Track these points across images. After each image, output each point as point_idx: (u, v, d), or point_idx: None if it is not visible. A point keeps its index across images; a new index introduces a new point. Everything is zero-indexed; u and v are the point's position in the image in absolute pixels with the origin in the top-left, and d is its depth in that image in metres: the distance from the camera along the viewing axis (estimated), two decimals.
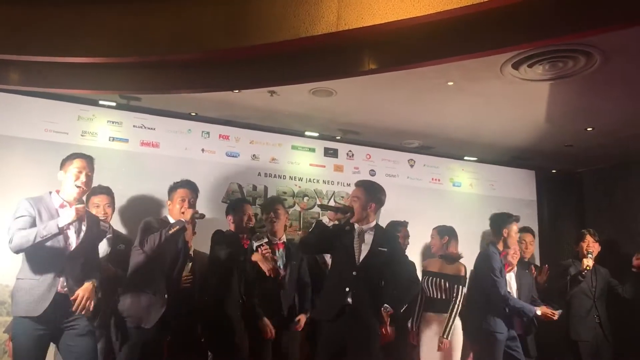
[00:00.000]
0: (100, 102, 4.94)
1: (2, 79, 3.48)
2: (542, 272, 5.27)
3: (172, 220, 3.79)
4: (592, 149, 6.13)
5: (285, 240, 4.58)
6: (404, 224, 5.11)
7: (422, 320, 4.60)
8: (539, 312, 4.59)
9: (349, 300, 3.72)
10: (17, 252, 3.14)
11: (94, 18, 3.27)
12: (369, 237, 3.86)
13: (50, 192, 3.33)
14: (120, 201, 4.55)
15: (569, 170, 7.08)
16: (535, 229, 6.45)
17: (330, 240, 3.87)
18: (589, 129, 5.54)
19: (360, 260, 3.80)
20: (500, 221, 4.79)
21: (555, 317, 4.63)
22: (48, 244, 3.11)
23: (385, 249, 3.86)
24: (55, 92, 4.56)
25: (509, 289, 4.63)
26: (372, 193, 3.93)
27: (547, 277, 5.25)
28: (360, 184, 4.01)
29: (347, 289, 3.73)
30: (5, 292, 4.33)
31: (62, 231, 3.09)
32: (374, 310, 3.79)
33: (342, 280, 3.79)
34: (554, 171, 7.14)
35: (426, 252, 5.53)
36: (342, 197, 5.76)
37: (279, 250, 4.39)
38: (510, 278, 4.77)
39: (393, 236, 4.21)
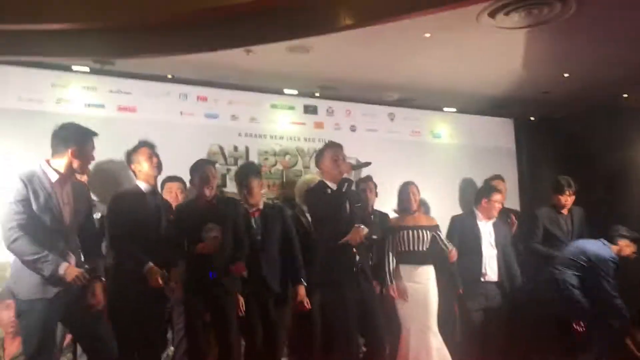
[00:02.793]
0: (74, 68, 4.84)
1: None
2: (510, 223, 5.33)
3: (143, 186, 3.60)
4: (569, 95, 6.18)
5: (261, 206, 4.20)
6: (369, 178, 5.07)
7: (397, 273, 4.64)
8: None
9: (358, 259, 3.81)
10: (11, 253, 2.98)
11: None
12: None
13: (40, 165, 3.09)
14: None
15: (547, 117, 7.14)
16: (515, 177, 6.58)
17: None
18: (565, 75, 5.58)
19: (348, 219, 3.87)
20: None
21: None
22: (45, 223, 2.99)
23: (360, 204, 3.98)
24: (28, 60, 4.47)
25: (490, 240, 4.80)
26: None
27: (515, 227, 5.31)
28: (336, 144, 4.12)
29: (354, 249, 3.80)
30: None
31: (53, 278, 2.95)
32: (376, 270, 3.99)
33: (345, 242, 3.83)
34: (532, 119, 7.21)
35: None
36: None
37: (254, 218, 4.12)
38: (490, 228, 4.88)
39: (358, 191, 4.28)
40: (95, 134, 3.23)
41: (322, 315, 4.10)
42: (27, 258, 2.91)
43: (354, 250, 3.80)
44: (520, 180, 6.73)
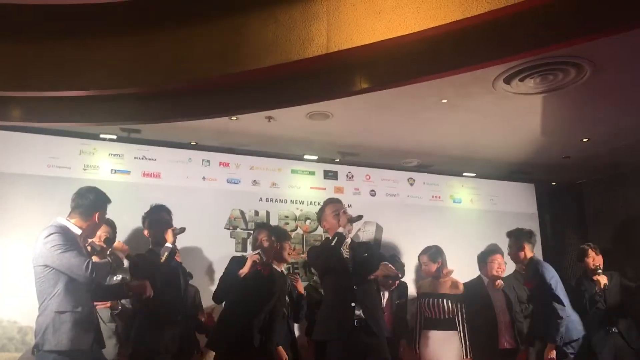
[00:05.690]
0: (102, 136, 5.01)
1: (4, 116, 3.54)
2: None
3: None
4: (590, 160, 6.17)
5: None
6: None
7: (422, 339, 4.57)
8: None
9: (360, 314, 3.75)
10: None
11: (92, 52, 3.34)
12: (350, 248, 4.01)
13: (59, 220, 3.22)
14: (124, 233, 4.61)
15: (568, 181, 7.10)
16: (538, 241, 6.46)
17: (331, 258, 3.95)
18: (584, 140, 5.58)
19: (352, 272, 3.88)
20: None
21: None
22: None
23: (366, 254, 3.99)
24: (56, 128, 4.65)
25: (502, 305, 4.74)
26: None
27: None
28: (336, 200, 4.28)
29: (353, 304, 3.75)
30: (13, 328, 4.35)
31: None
32: (383, 322, 3.95)
33: (345, 295, 3.81)
34: (553, 184, 7.17)
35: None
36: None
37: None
38: (501, 294, 4.81)
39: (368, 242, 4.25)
40: (110, 201, 3.42)
41: None
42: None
43: (353, 304, 3.75)
44: (544, 245, 6.61)
